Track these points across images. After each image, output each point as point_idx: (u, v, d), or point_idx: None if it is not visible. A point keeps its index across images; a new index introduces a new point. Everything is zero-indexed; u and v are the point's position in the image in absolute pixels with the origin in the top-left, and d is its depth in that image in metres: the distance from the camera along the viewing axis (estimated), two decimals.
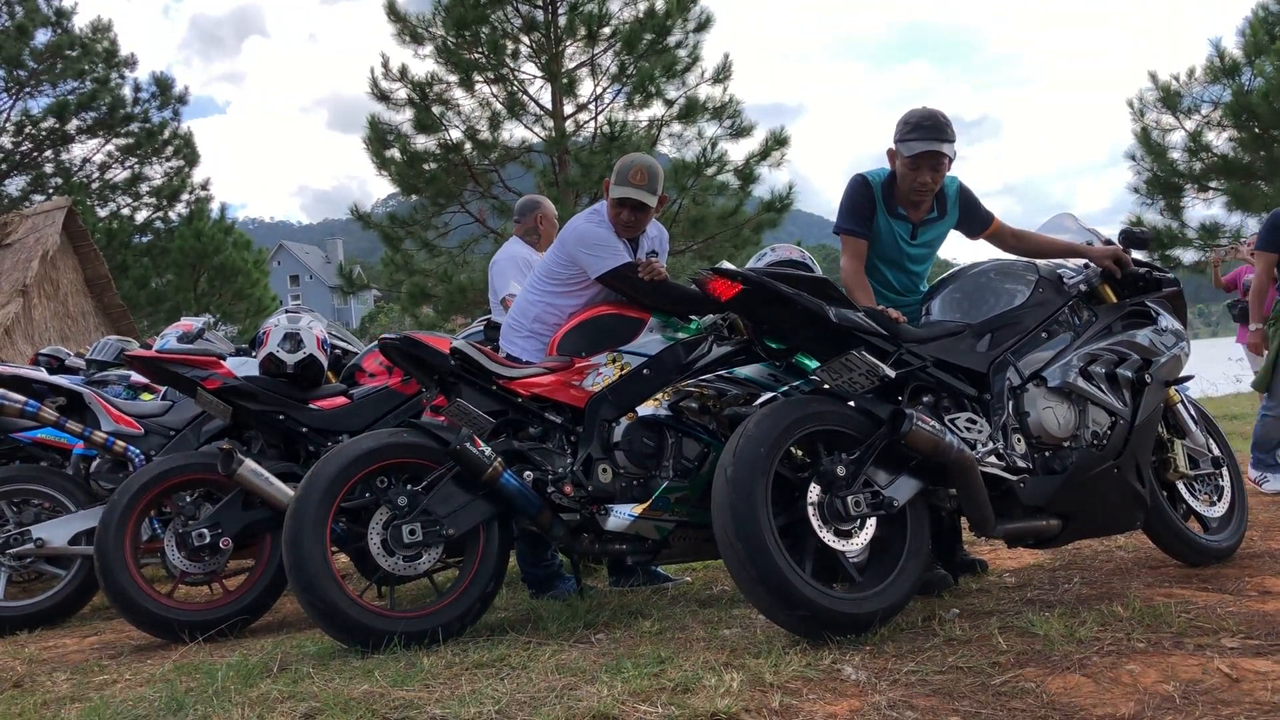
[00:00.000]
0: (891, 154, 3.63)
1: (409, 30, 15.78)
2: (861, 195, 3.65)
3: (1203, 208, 16.48)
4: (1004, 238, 3.82)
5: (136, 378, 5.69)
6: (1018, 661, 2.57)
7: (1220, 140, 15.97)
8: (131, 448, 4.71)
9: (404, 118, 15.90)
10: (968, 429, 3.10)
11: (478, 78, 15.79)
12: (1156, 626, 2.80)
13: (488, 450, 3.29)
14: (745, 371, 3.50)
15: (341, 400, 4.54)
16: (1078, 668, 2.49)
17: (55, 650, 3.99)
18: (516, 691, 2.59)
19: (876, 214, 3.66)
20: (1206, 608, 2.97)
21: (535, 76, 16.24)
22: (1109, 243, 3.77)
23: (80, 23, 22.71)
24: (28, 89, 22.04)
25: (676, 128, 16.21)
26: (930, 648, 2.74)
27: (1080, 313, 3.54)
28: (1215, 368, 15.36)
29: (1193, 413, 3.82)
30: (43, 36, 21.90)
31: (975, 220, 3.82)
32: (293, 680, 2.91)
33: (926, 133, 3.50)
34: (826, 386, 3.12)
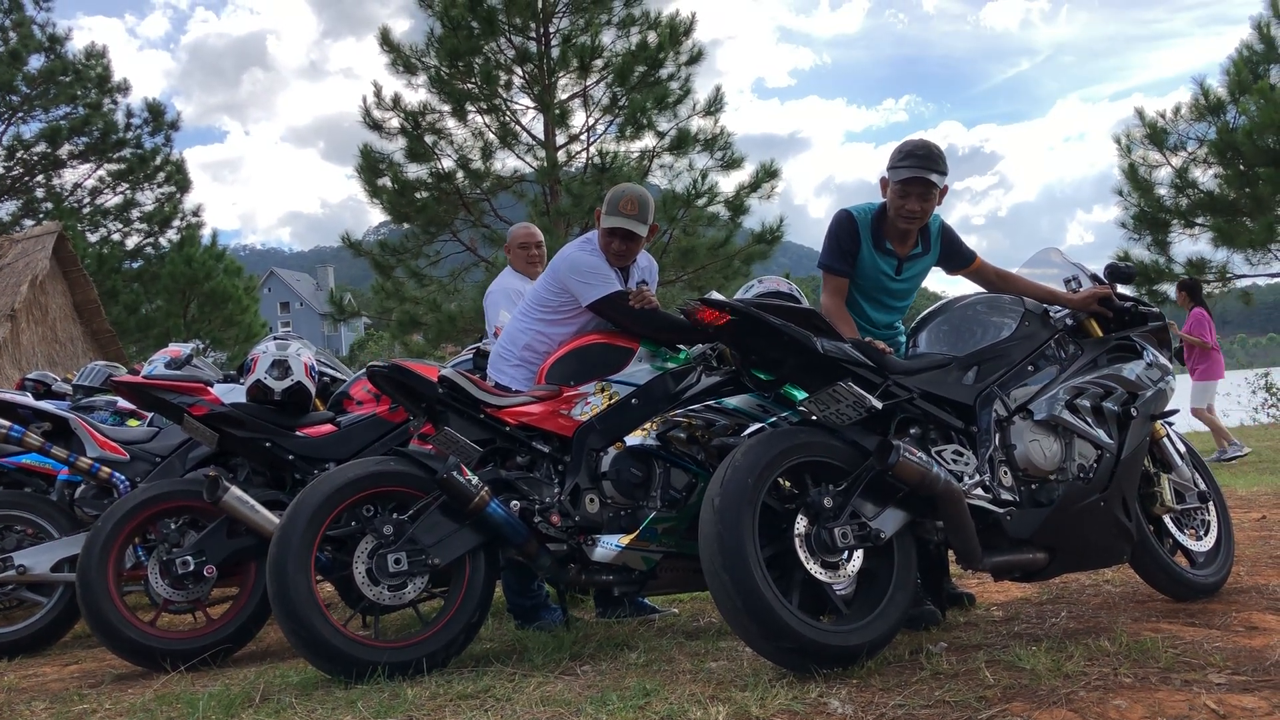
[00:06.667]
0: (884, 182, 3.67)
1: (402, 60, 15.87)
2: (846, 232, 3.68)
3: (1189, 243, 16.64)
4: (988, 277, 3.85)
5: (123, 403, 5.67)
6: (1005, 696, 2.56)
7: (1206, 177, 16.15)
8: (117, 474, 4.68)
9: (396, 147, 15.98)
10: (954, 461, 3.10)
11: (470, 108, 15.87)
12: (1143, 661, 2.79)
13: (475, 479, 3.28)
14: (733, 402, 3.51)
15: (329, 428, 4.52)
16: (1065, 702, 2.48)
17: (35, 679, 3.95)
18: None
19: (861, 249, 3.69)
20: (1193, 643, 2.97)
21: (528, 107, 16.35)
22: (1095, 277, 3.80)
23: (74, 49, 22.84)
24: (20, 113, 22.09)
25: (667, 159, 16.32)
26: (917, 681, 2.73)
27: (1066, 346, 3.56)
28: None
29: (1179, 447, 3.83)
30: (36, 62, 21.99)
31: (957, 257, 3.86)
32: (275, 711, 2.89)
33: (918, 161, 3.55)
34: (814, 418, 3.12)
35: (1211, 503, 3.86)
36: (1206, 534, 3.78)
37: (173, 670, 3.73)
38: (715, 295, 3.15)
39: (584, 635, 3.77)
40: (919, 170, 3.54)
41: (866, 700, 2.58)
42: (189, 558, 3.85)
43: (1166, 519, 3.67)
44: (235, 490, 3.78)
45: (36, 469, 4.97)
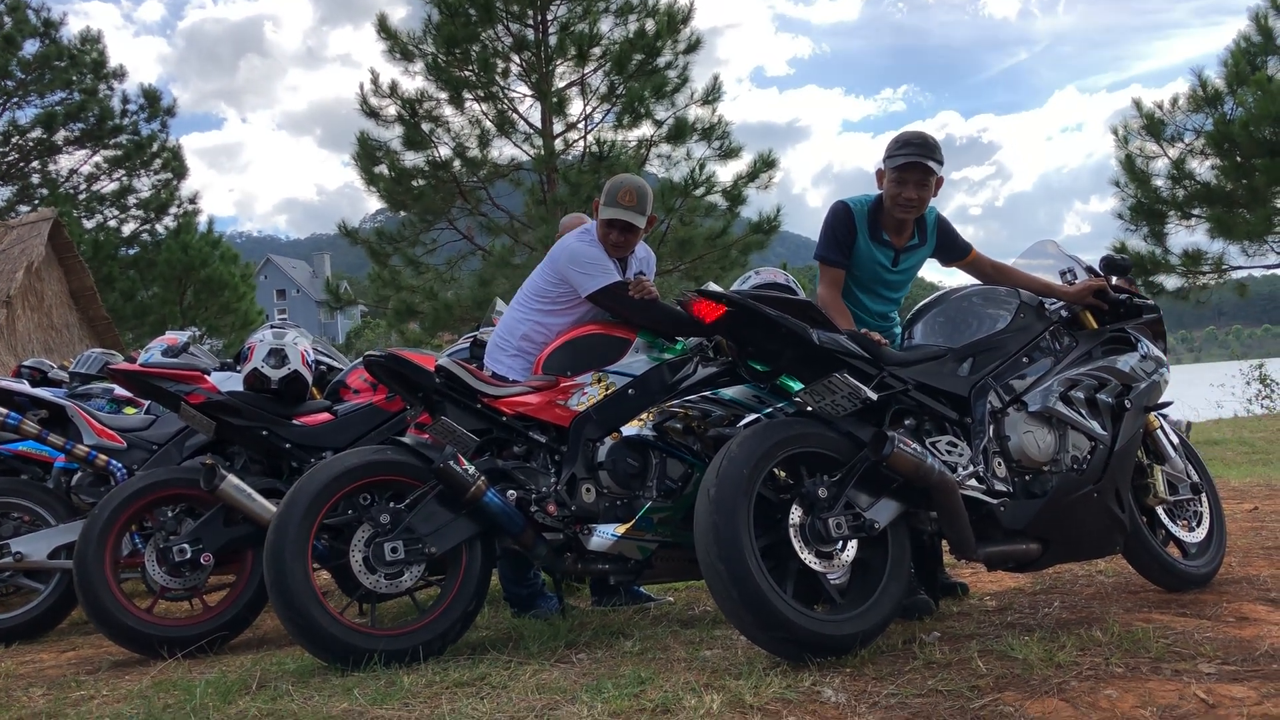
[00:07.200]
0: (880, 174, 3.69)
1: (399, 47, 15.83)
2: (842, 223, 3.70)
3: (1185, 234, 16.64)
4: (983, 269, 3.86)
5: (120, 391, 5.67)
6: (997, 685, 2.58)
7: (1203, 168, 16.13)
8: (113, 461, 4.69)
9: (393, 134, 15.96)
10: (949, 452, 3.12)
11: (467, 95, 15.85)
12: (1135, 651, 2.82)
13: (471, 469, 3.29)
14: (729, 393, 3.52)
15: (325, 416, 4.52)
16: (1056, 692, 2.50)
17: (32, 665, 3.96)
18: (496, 711, 2.59)
19: (858, 240, 3.70)
20: (1184, 633, 2.99)
21: (525, 95, 16.33)
22: (1090, 269, 3.82)
23: (69, 34, 22.74)
24: (15, 99, 22.01)
25: (665, 148, 16.31)
26: (910, 670, 2.75)
27: (1061, 338, 3.58)
28: (1197, 393, 15.51)
29: (1172, 439, 3.85)
30: (31, 47, 21.90)
31: (952, 249, 3.88)
32: (272, 698, 2.90)
33: (915, 149, 3.58)
34: (809, 409, 3.14)
35: (1204, 494, 3.88)
36: (1199, 525, 3.81)
37: (170, 657, 3.75)
38: (712, 287, 3.16)
39: (580, 623, 3.79)
40: (916, 156, 3.56)
41: (860, 689, 2.60)
42: (186, 545, 3.86)
43: (1159, 510, 3.69)
44: (232, 478, 3.78)
45: (33, 456, 4.98)
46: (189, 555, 3.85)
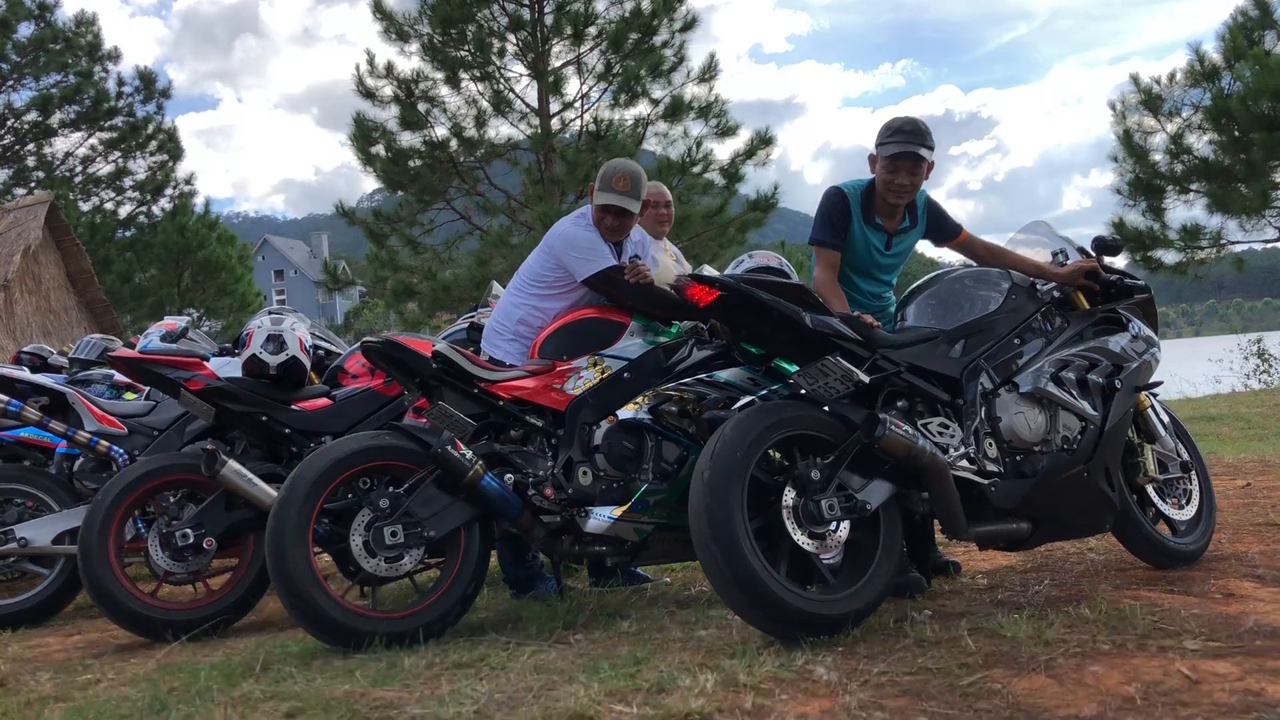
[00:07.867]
0: (872, 159, 3.73)
1: (395, 28, 15.77)
2: (836, 207, 3.74)
3: (1184, 209, 16.62)
4: (975, 250, 3.89)
5: (119, 377, 5.70)
6: (986, 663, 2.62)
7: (1201, 143, 16.10)
8: (115, 447, 4.72)
9: (390, 115, 15.92)
10: (940, 433, 3.15)
11: (464, 75, 15.80)
12: (1122, 628, 2.86)
13: (469, 453, 3.33)
14: (724, 375, 3.56)
15: (324, 402, 4.56)
16: (1044, 669, 2.55)
17: (38, 649, 4.01)
18: (495, 692, 2.64)
19: (852, 224, 3.74)
20: (1171, 610, 3.04)
21: (521, 74, 16.26)
22: (1082, 250, 3.84)
23: (64, 16, 22.65)
24: (10, 82, 21.92)
25: (662, 127, 16.28)
26: (901, 649, 2.79)
27: (1052, 319, 3.61)
28: (1195, 367, 15.52)
29: (1163, 418, 3.89)
30: (25, 30, 21.81)
31: (943, 230, 3.92)
32: (275, 680, 2.95)
33: (906, 137, 3.61)
34: (803, 391, 3.17)
35: (1194, 472, 3.93)
36: (1188, 503, 3.85)
37: (174, 640, 3.79)
38: (707, 270, 3.19)
39: (577, 605, 3.83)
40: (908, 145, 3.60)
41: (851, 668, 2.64)
42: (188, 530, 3.90)
43: (1149, 488, 3.74)
44: (233, 464, 3.82)
45: (35, 443, 5.02)
46: (191, 540, 3.89)
